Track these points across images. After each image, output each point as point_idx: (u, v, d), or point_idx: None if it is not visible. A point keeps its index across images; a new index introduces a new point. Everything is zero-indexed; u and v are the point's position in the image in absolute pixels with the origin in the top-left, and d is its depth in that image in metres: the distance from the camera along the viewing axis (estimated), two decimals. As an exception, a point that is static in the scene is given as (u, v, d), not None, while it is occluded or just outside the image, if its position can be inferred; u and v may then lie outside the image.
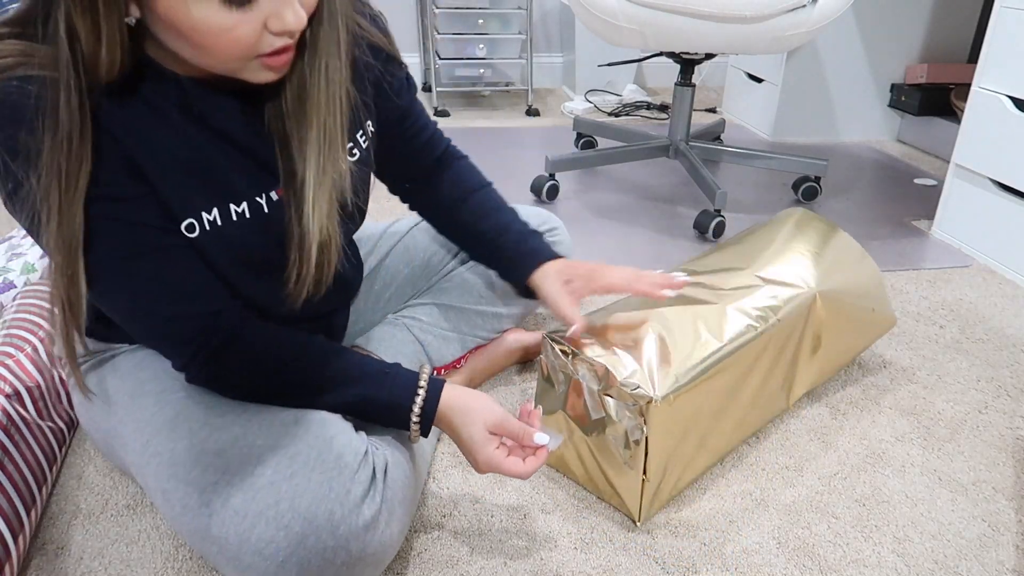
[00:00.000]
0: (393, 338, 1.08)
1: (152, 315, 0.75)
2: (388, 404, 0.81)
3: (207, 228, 0.75)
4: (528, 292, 1.01)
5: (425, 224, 1.15)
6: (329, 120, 0.74)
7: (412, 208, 1.08)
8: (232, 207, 0.76)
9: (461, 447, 0.82)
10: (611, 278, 0.94)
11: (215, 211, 0.75)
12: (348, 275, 0.96)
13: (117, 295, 0.73)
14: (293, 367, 0.79)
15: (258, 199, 0.78)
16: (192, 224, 0.75)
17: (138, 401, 0.82)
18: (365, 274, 1.10)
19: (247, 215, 0.77)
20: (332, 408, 0.80)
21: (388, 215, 1.81)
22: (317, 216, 0.75)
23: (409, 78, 0.96)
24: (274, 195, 0.79)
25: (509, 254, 1.02)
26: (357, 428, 0.82)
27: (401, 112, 0.95)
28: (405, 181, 1.04)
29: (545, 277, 0.98)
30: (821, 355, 1.12)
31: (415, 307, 1.12)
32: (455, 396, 0.81)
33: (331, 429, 0.77)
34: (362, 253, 1.10)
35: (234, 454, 0.73)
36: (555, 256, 1.00)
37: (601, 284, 0.94)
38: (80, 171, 0.65)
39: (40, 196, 0.65)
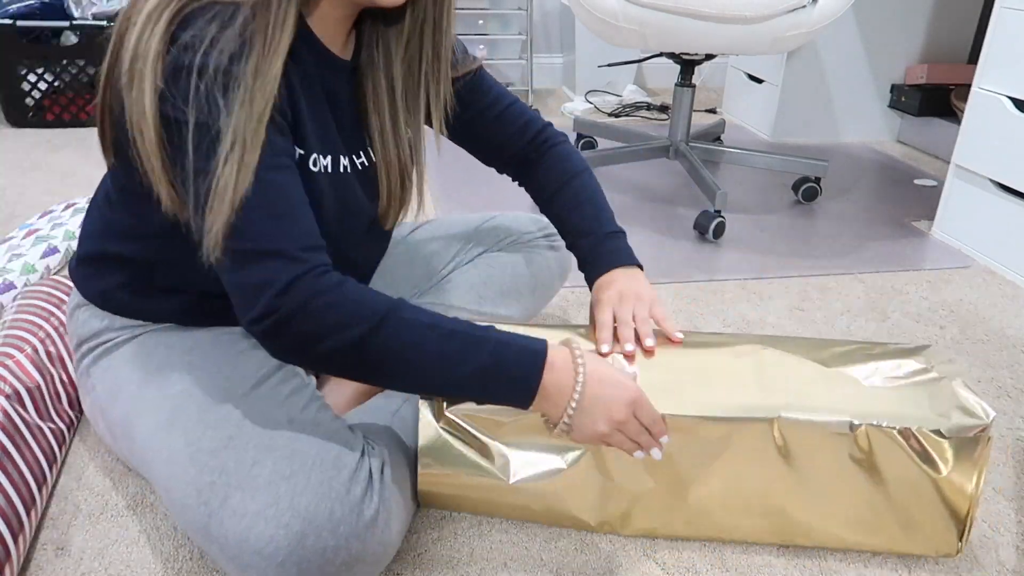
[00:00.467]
0: None
1: (264, 235, 0.70)
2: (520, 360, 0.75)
3: (324, 171, 0.82)
4: None
5: (427, 226, 1.15)
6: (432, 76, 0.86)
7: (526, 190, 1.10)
8: (341, 158, 0.85)
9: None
10: (620, 312, 0.92)
11: (329, 158, 0.83)
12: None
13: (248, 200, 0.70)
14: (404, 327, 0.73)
15: (353, 157, 0.87)
16: (316, 160, 0.81)
17: (143, 391, 0.83)
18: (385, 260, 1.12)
19: (348, 169, 0.86)
20: (452, 380, 0.74)
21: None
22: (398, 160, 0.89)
23: (469, 52, 1.02)
24: (362, 156, 0.88)
25: (584, 255, 1.01)
26: (353, 428, 0.82)
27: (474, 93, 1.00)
28: (497, 165, 1.08)
29: (601, 291, 0.96)
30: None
31: (428, 292, 1.12)
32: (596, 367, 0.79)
33: (327, 429, 0.77)
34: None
35: (229, 454, 0.73)
36: (619, 264, 0.97)
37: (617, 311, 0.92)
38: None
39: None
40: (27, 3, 2.33)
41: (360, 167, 0.89)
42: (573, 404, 0.76)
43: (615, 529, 0.90)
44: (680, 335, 0.90)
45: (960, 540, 0.84)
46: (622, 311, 0.91)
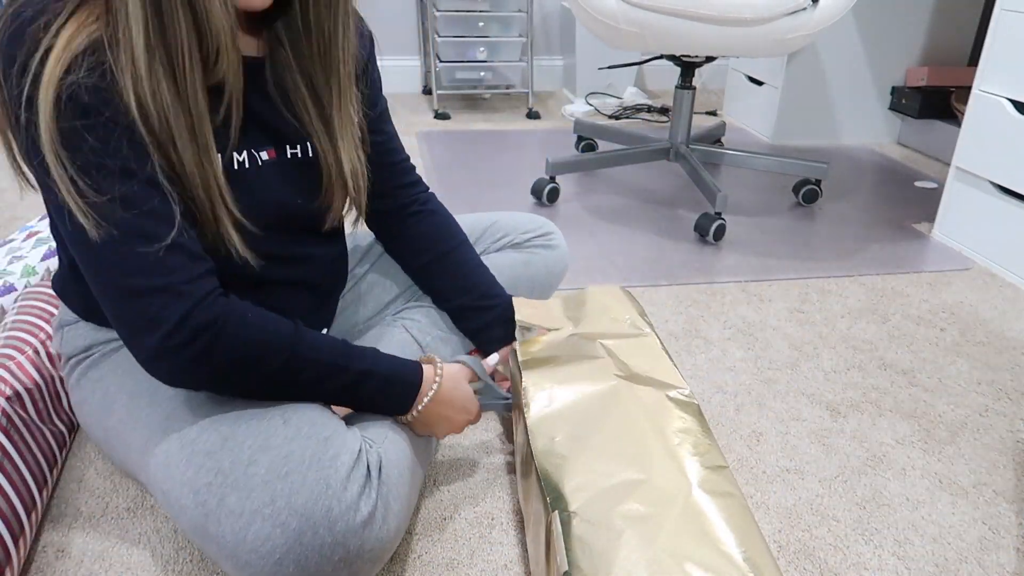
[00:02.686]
0: (392, 339, 1.08)
1: (140, 270, 0.71)
2: (390, 379, 0.84)
3: (243, 166, 0.82)
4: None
5: None
6: (344, 65, 0.84)
7: (381, 241, 1.12)
8: (255, 153, 0.84)
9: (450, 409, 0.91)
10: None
11: (245, 153, 0.82)
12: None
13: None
14: (285, 345, 0.77)
15: (254, 153, 0.84)
16: (232, 158, 0.80)
17: (136, 400, 0.83)
18: (361, 278, 1.11)
19: (269, 163, 0.85)
20: (328, 394, 0.81)
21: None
22: (347, 154, 0.88)
23: (381, 91, 1.02)
24: (264, 155, 0.85)
25: (483, 325, 1.08)
26: (350, 426, 0.82)
27: (371, 121, 0.98)
28: (377, 202, 1.05)
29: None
30: None
31: (413, 309, 1.12)
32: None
33: (324, 429, 0.77)
34: (356, 259, 1.12)
35: (224, 455, 0.74)
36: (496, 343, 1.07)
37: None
38: None
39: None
40: (28, 5, 2.32)
41: (294, 159, 0.87)
42: (417, 410, 0.87)
43: None
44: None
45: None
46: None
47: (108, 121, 0.68)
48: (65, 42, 0.66)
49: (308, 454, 0.73)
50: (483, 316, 1.06)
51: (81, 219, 0.69)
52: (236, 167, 0.81)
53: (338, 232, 1.00)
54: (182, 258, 0.72)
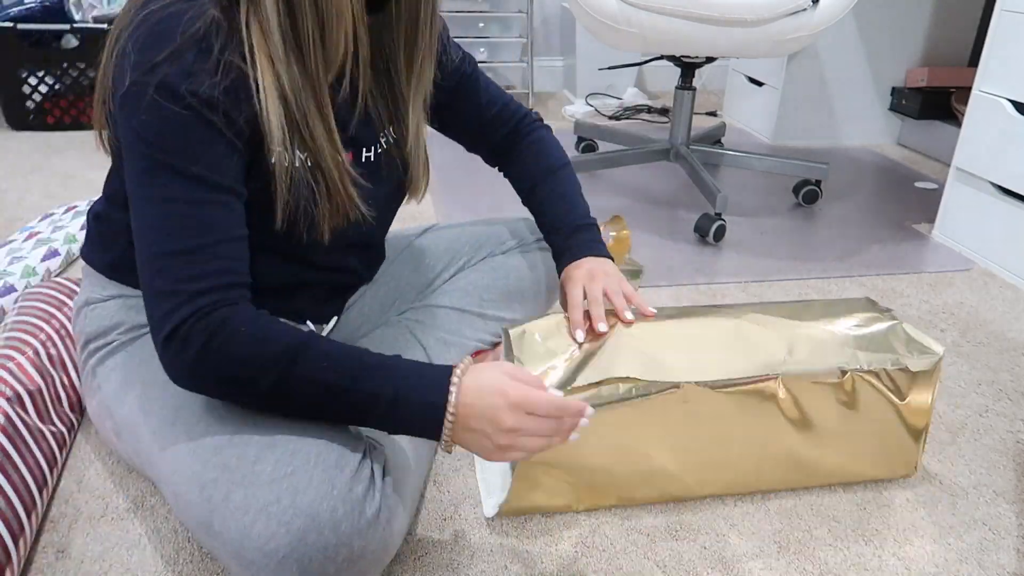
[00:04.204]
0: (396, 340, 1.08)
1: (163, 272, 0.73)
2: (404, 401, 0.74)
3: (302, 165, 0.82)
4: None
5: (432, 230, 1.16)
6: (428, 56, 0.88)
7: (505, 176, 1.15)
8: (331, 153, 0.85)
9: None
10: (589, 286, 0.96)
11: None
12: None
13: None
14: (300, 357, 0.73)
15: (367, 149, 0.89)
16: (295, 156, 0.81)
17: (148, 391, 0.84)
18: (373, 280, 1.11)
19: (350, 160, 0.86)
20: (337, 416, 0.76)
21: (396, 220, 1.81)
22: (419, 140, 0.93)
23: (466, 54, 1.06)
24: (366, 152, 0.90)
25: (556, 247, 1.06)
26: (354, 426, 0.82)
27: (459, 79, 1.04)
28: (479, 152, 1.13)
29: (570, 279, 0.99)
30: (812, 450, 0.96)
31: (418, 309, 1.12)
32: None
33: (330, 429, 0.77)
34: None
35: (232, 451, 0.74)
36: (587, 254, 1.01)
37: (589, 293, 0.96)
38: None
39: None
40: (28, 6, 2.33)
41: (384, 152, 0.92)
42: (449, 421, 0.74)
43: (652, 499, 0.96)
44: (653, 310, 0.95)
45: (919, 458, 1.00)
46: (592, 288, 0.95)
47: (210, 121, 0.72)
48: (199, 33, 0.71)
49: (314, 453, 0.74)
50: (557, 238, 1.06)
51: (142, 207, 0.73)
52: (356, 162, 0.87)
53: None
54: (209, 266, 0.73)
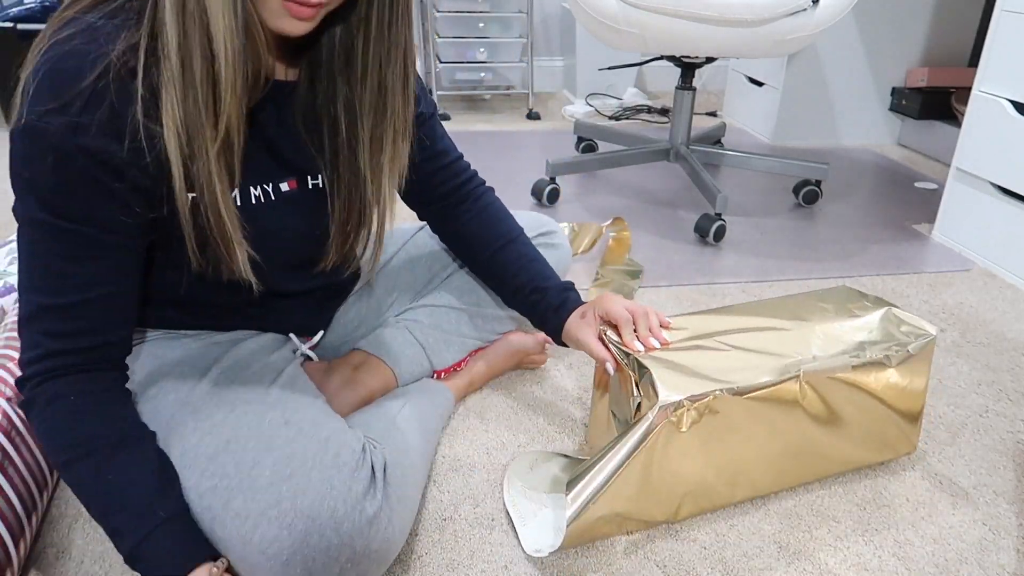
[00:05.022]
0: (395, 341, 1.08)
1: (26, 320, 0.71)
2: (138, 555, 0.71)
3: (259, 200, 0.80)
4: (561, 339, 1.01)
5: (428, 229, 1.15)
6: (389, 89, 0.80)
7: (440, 237, 1.10)
8: (277, 185, 0.82)
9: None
10: (609, 309, 0.94)
11: (260, 187, 0.80)
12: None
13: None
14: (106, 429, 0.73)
15: (274, 185, 0.82)
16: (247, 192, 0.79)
17: (137, 404, 0.83)
18: (367, 281, 1.11)
19: (281, 195, 0.83)
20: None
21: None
22: (377, 193, 0.86)
23: (427, 95, 0.98)
24: (284, 186, 0.82)
25: (545, 306, 1.01)
26: (353, 426, 0.82)
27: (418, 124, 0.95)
28: (426, 206, 1.06)
29: (570, 328, 0.98)
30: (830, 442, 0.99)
31: (416, 309, 1.12)
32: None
33: (325, 429, 0.77)
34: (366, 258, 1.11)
35: (228, 457, 0.74)
36: (580, 305, 1.00)
37: (601, 310, 0.95)
38: None
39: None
40: (28, 6, 2.33)
41: (313, 189, 0.85)
42: None
43: (670, 520, 0.94)
44: (669, 320, 0.97)
45: (919, 435, 1.05)
46: (613, 311, 0.94)
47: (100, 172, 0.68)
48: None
49: (311, 454, 0.74)
50: (537, 305, 1.02)
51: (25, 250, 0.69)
52: (253, 201, 0.80)
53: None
54: (73, 325, 0.71)
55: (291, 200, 0.83)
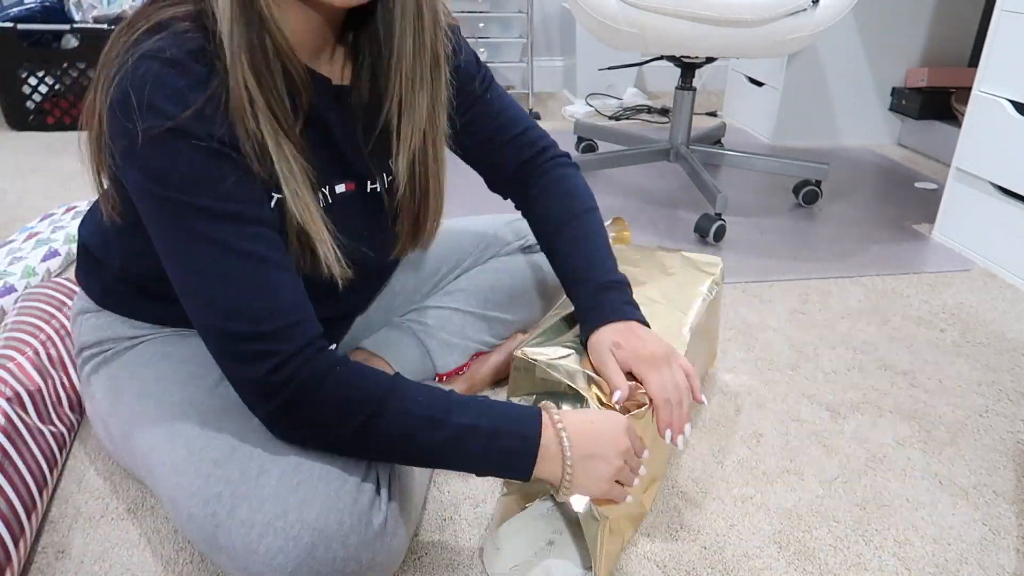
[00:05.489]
0: (399, 342, 1.08)
1: (240, 315, 0.70)
2: (498, 433, 0.73)
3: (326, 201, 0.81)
4: None
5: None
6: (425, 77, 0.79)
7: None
8: (337, 186, 0.83)
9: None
10: (647, 377, 0.85)
11: (327, 188, 0.82)
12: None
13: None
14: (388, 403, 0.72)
15: (330, 188, 0.83)
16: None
17: (143, 402, 0.82)
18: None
19: (344, 198, 0.84)
20: (426, 452, 0.73)
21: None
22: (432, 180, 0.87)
23: (483, 67, 0.96)
24: (341, 187, 0.84)
25: (580, 304, 0.94)
26: None
27: (473, 100, 0.95)
28: (493, 183, 1.03)
29: (598, 341, 0.88)
30: None
31: (421, 310, 1.12)
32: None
33: None
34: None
35: (234, 464, 0.73)
36: (619, 318, 0.89)
37: (636, 372, 0.86)
38: None
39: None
40: (28, 6, 2.33)
41: (371, 193, 0.87)
42: (568, 474, 0.75)
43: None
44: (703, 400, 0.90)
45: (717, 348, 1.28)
46: (650, 379, 0.85)
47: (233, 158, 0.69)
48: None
49: (318, 465, 0.72)
50: (580, 293, 0.94)
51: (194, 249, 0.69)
52: (323, 203, 0.80)
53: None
54: (281, 303, 0.70)
55: (347, 202, 0.84)
